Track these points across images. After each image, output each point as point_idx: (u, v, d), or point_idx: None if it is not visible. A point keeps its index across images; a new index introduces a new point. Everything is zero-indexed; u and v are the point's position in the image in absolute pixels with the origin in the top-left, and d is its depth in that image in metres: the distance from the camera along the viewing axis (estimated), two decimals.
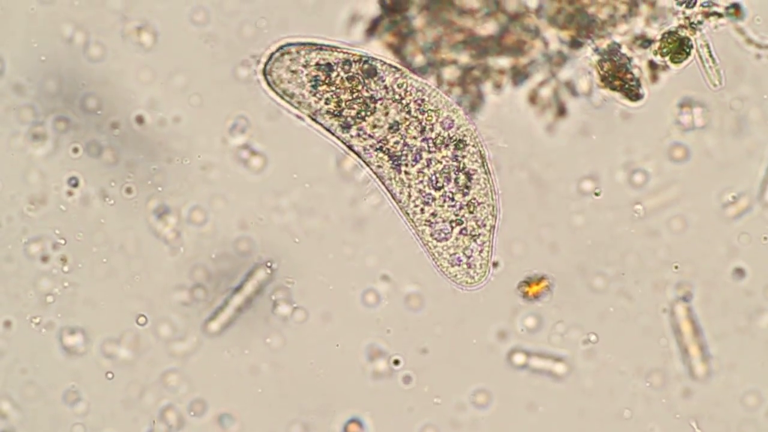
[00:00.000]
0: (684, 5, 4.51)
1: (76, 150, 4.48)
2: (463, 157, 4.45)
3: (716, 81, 4.53)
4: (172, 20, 4.52)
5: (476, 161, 4.47)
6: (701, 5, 4.52)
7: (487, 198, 4.49)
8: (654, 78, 4.56)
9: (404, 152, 4.46)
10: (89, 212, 4.57)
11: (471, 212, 4.45)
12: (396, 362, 4.58)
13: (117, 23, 4.52)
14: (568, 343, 4.60)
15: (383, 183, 4.51)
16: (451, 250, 4.51)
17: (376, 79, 4.42)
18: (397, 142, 4.44)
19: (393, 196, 4.50)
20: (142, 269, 4.58)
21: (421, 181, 4.48)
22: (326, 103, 4.46)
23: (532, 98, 4.58)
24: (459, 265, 4.51)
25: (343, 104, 4.44)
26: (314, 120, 4.48)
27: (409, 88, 4.47)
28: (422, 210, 4.49)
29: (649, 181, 4.57)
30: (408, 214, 4.51)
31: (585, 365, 4.60)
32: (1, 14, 4.54)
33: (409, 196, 4.50)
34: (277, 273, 4.59)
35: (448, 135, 4.43)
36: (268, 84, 4.48)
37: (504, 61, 4.57)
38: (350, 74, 4.45)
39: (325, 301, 4.59)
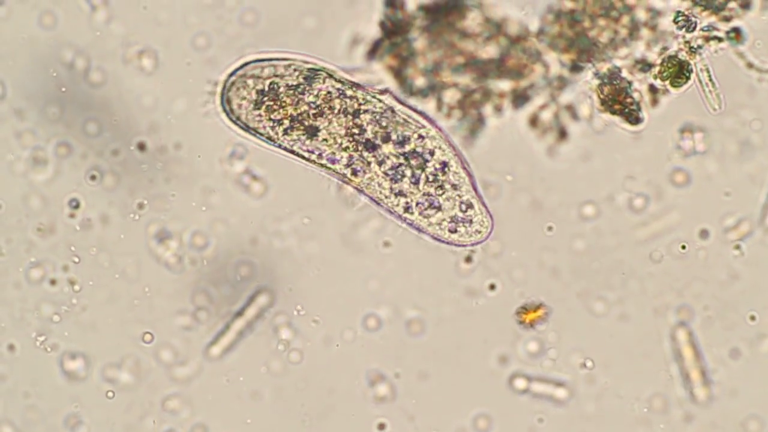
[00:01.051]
0: (684, 29, 4.50)
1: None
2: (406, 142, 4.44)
3: (716, 105, 4.52)
4: (174, 45, 4.52)
5: (413, 133, 4.45)
6: (702, 29, 4.51)
7: (448, 156, 4.48)
8: (654, 102, 4.54)
9: (355, 160, 4.45)
10: (90, 235, 4.56)
11: (444, 175, 4.42)
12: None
13: (118, 48, 4.52)
14: (568, 368, 4.59)
15: (362, 191, 4.50)
16: (445, 222, 4.49)
17: (312, 86, 4.39)
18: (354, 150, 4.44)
19: (373, 200, 4.49)
20: (143, 294, 4.57)
21: (384, 179, 4.45)
22: (280, 124, 4.44)
23: (533, 121, 4.58)
24: (457, 229, 4.50)
25: (296, 118, 4.40)
26: (280, 146, 4.49)
27: (334, 94, 4.46)
28: (406, 208, 4.47)
29: (650, 206, 4.57)
30: (391, 209, 4.49)
31: (585, 390, 4.59)
32: (2, 39, 4.54)
33: (386, 196, 4.48)
34: (279, 299, 4.59)
35: (383, 127, 4.40)
36: (230, 117, 4.49)
37: (504, 85, 4.56)
38: (290, 85, 4.41)
39: (327, 325, 4.59)
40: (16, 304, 4.58)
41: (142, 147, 4.51)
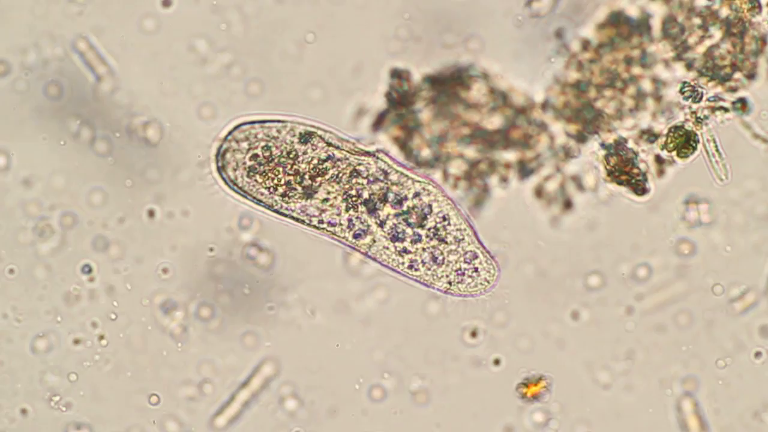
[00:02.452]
0: (690, 100, 4.47)
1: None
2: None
3: (722, 175, 4.49)
4: (179, 115, 4.49)
5: (409, 191, 4.43)
6: (708, 100, 4.48)
7: (446, 210, 4.46)
8: (661, 172, 4.52)
9: (355, 223, 4.42)
10: (96, 306, 4.54)
11: (445, 230, 4.39)
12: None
13: (123, 118, 4.50)
14: None
15: (365, 254, 4.46)
16: (450, 275, 4.49)
17: (306, 149, 4.34)
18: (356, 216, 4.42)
19: (378, 261, 4.46)
20: (148, 364, 4.55)
21: (387, 239, 4.43)
22: (276, 189, 4.41)
23: (539, 192, 4.55)
24: (464, 280, 4.49)
25: (293, 181, 4.36)
26: (278, 212, 4.46)
27: (328, 156, 4.41)
28: (409, 266, 4.45)
29: (655, 276, 4.54)
30: (397, 269, 4.46)
31: None
32: (8, 108, 4.51)
33: (390, 256, 4.45)
34: (284, 371, 4.58)
35: (379, 189, 4.35)
36: (227, 184, 4.47)
37: (510, 155, 4.54)
38: (286, 149, 4.36)
39: (332, 395, 4.57)
40: (34, 368, 4.56)
41: (151, 214, 4.49)
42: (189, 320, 4.51)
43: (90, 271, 4.49)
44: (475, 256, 4.44)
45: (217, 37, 4.46)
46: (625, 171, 4.47)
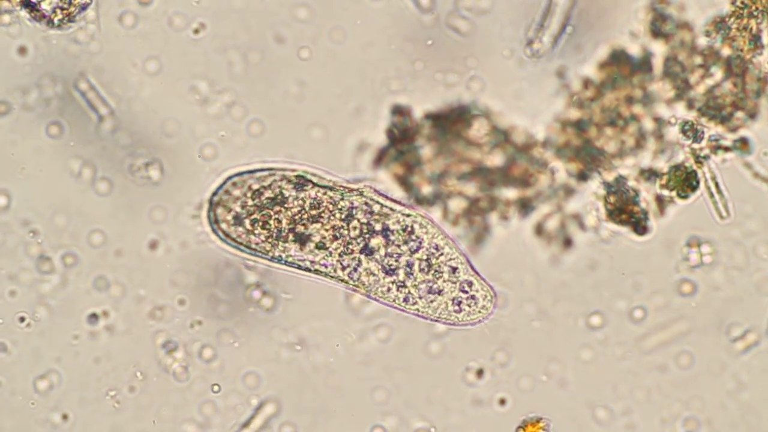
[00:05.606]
0: (691, 140, 4.44)
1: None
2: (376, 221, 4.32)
3: (723, 213, 4.45)
4: (180, 155, 4.45)
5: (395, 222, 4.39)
6: (708, 139, 4.44)
7: (437, 240, 4.41)
8: (661, 211, 4.47)
9: (346, 261, 4.37)
10: (97, 345, 4.50)
11: (437, 259, 4.34)
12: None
13: (125, 158, 4.45)
14: None
15: (366, 293, 4.41)
16: (447, 305, 4.43)
17: (297, 195, 4.30)
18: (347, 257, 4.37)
19: (373, 298, 4.42)
20: (150, 402, 4.51)
21: (380, 273, 4.38)
22: (267, 238, 4.35)
23: (539, 230, 4.50)
24: (461, 310, 4.45)
25: (283, 229, 4.32)
26: (272, 259, 4.41)
27: (315, 200, 4.34)
28: (404, 300, 4.41)
29: (656, 316, 4.49)
30: (392, 304, 4.43)
31: None
32: (9, 148, 4.47)
33: (384, 292, 4.41)
34: (285, 407, 4.53)
35: (367, 221, 4.30)
36: (220, 238, 4.40)
37: (511, 193, 4.49)
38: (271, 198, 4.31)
39: None
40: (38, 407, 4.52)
41: (153, 245, 4.45)
42: (190, 359, 4.46)
43: (97, 319, 4.45)
44: (471, 284, 4.39)
45: (218, 77, 4.42)
46: (625, 210, 4.42)
